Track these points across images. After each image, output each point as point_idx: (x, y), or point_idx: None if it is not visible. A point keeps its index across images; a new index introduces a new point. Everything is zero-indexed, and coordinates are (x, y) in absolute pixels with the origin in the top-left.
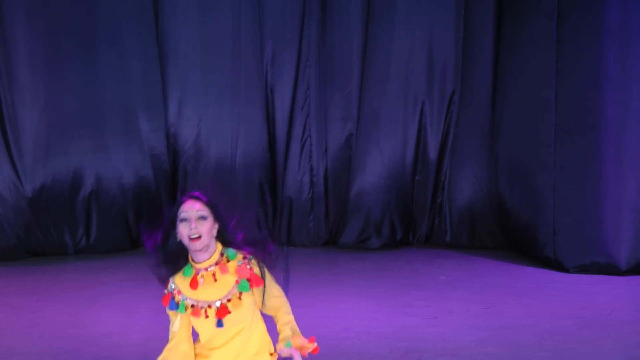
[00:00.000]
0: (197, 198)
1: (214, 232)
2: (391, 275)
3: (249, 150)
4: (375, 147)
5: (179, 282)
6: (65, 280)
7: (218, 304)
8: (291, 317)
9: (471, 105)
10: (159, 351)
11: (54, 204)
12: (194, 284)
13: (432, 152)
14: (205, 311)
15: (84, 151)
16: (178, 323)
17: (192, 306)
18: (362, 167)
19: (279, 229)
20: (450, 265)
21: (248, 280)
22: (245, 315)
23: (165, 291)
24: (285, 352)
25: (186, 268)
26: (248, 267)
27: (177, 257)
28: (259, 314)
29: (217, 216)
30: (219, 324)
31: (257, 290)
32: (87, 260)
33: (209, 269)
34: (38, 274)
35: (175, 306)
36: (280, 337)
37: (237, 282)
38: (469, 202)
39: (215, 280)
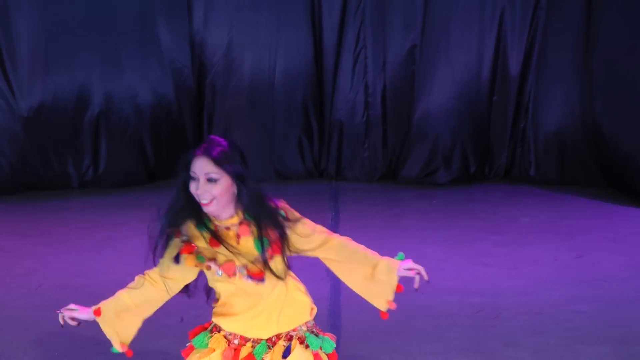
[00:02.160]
0: (208, 154)
1: (233, 191)
2: (462, 216)
3: (291, 64)
4: (445, 61)
5: (192, 234)
6: (68, 220)
7: (244, 269)
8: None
9: (562, 11)
10: (179, 306)
11: (55, 127)
12: (214, 242)
13: (514, 68)
14: (237, 269)
15: (91, 64)
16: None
17: (219, 259)
18: (428, 85)
19: (326, 160)
20: (534, 205)
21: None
22: (274, 281)
23: (178, 240)
24: (404, 268)
25: (202, 221)
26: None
27: (186, 208)
28: (292, 280)
29: (235, 174)
30: (261, 280)
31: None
32: (95, 196)
33: (231, 228)
34: (36, 212)
35: (178, 259)
36: (383, 261)
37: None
38: (558, 128)
39: (238, 242)
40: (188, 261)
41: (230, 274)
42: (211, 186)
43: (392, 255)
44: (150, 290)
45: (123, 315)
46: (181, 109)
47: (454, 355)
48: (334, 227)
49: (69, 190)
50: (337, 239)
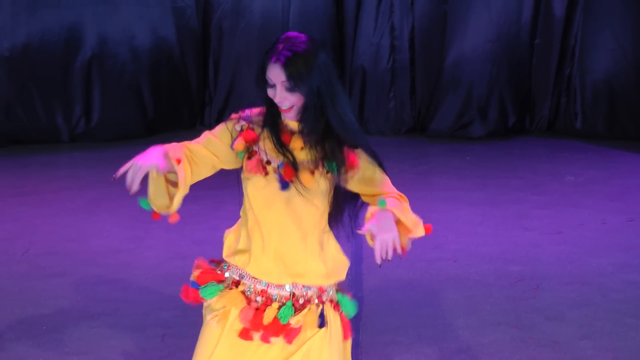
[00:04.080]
0: (281, 64)
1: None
2: (500, 174)
3: (307, 3)
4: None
5: (257, 128)
6: (57, 178)
7: (281, 164)
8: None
9: None
10: (184, 273)
11: (42, 73)
12: (286, 136)
13: (558, 7)
14: (265, 166)
15: (82, 1)
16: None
17: (254, 153)
18: (462, 26)
19: None
20: (580, 162)
21: (342, 160)
22: (316, 202)
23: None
24: (371, 223)
25: (275, 121)
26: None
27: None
28: (330, 230)
29: (312, 83)
30: (284, 185)
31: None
32: (87, 151)
33: (296, 132)
34: (21, 169)
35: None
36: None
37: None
38: (608, 75)
39: (303, 147)
40: (238, 145)
41: (263, 172)
42: (289, 94)
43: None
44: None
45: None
46: (184, 54)
47: (489, 330)
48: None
49: (58, 144)
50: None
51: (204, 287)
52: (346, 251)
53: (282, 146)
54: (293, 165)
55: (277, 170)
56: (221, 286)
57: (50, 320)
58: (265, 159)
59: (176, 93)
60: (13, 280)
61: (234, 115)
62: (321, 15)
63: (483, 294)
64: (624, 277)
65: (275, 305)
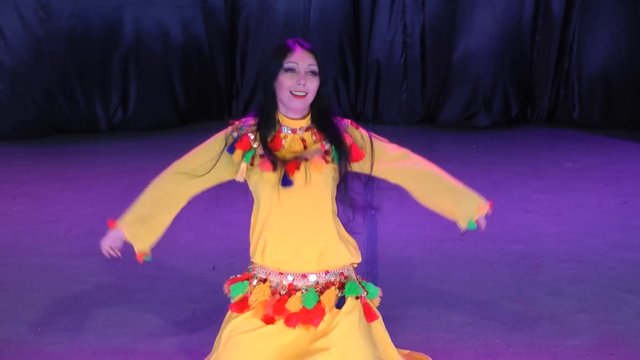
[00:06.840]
0: (309, 49)
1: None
2: (504, 160)
3: (326, 3)
4: (486, 0)
5: (256, 134)
6: (96, 164)
7: (290, 157)
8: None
9: None
10: (213, 253)
11: (82, 65)
12: (276, 143)
13: (557, 6)
14: (274, 164)
15: (121, 1)
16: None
17: (261, 156)
18: (469, 24)
19: (362, 102)
20: (578, 149)
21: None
22: (322, 189)
23: (231, 134)
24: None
25: (268, 125)
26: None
27: (266, 112)
28: (339, 224)
29: (323, 75)
30: (286, 181)
31: (355, 165)
32: (124, 139)
33: (298, 131)
34: (64, 157)
35: (232, 149)
36: (461, 209)
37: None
38: (604, 69)
39: (305, 147)
40: (237, 156)
41: (264, 167)
42: (311, 80)
43: None
44: (172, 192)
45: (145, 223)
46: (213, 50)
47: (494, 304)
48: (369, 178)
49: (97, 133)
50: (418, 165)
51: (233, 286)
52: (362, 233)
53: (266, 149)
54: (297, 159)
55: (282, 167)
56: (246, 282)
57: (90, 295)
58: (272, 158)
59: (206, 86)
60: (56, 259)
61: (231, 122)
62: (339, 14)
63: (488, 271)
64: (618, 255)
65: (298, 294)
